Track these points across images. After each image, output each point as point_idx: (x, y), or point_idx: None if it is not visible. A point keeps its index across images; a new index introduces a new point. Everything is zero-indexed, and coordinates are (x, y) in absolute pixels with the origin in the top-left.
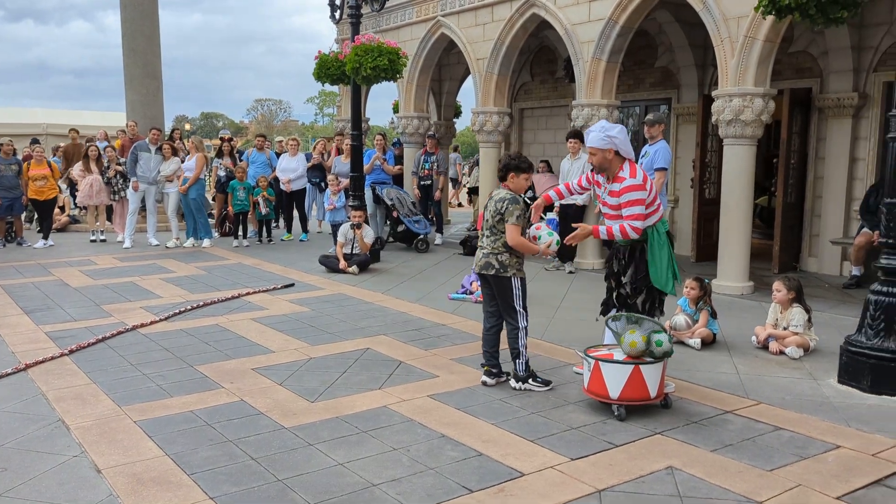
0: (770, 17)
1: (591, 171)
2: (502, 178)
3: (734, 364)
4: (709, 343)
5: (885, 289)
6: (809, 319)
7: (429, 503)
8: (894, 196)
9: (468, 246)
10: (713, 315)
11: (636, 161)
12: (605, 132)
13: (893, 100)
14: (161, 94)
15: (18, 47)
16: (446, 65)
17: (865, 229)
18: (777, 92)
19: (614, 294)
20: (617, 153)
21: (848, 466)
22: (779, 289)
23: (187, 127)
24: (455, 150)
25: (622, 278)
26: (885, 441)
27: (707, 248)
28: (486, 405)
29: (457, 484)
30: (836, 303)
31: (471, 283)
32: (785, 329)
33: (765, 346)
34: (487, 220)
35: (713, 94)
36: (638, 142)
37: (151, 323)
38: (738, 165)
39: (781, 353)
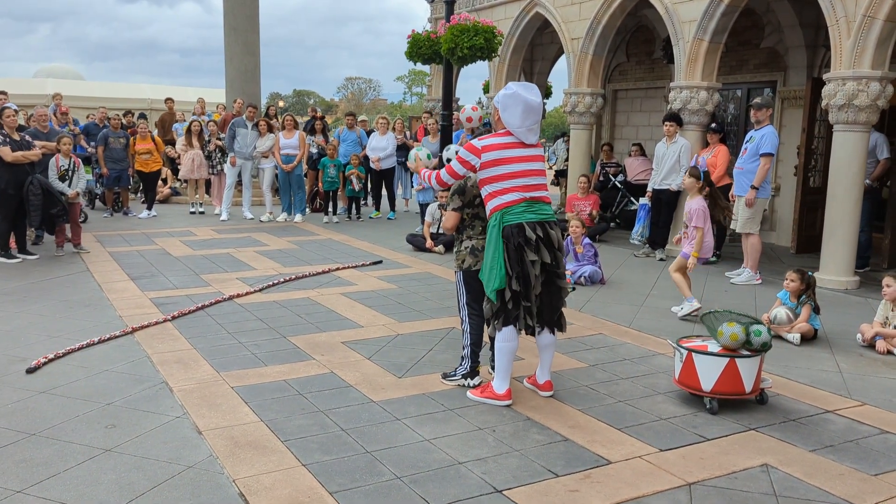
0: None
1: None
2: None
3: (836, 362)
4: (809, 339)
5: None
6: None
7: (514, 484)
8: None
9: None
10: (816, 310)
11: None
12: (504, 90)
13: None
14: (258, 71)
15: (132, 27)
16: (538, 44)
17: None
18: None
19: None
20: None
21: None
22: (889, 284)
23: (280, 104)
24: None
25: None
26: None
27: (809, 239)
28: (572, 391)
29: (542, 467)
30: None
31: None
32: (895, 328)
33: (871, 345)
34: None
35: (824, 77)
36: (739, 126)
37: (247, 294)
38: (848, 153)
39: (889, 352)
